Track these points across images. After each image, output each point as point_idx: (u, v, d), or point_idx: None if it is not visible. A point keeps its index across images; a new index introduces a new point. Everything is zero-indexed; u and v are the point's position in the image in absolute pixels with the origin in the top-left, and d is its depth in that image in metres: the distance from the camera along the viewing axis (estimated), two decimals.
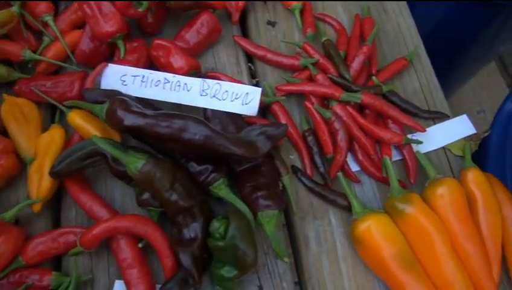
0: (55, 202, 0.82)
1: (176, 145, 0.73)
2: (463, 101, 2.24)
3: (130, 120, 0.72)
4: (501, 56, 2.32)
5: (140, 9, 0.82)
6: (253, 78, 0.95)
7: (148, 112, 0.73)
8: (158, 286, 0.74)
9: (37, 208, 0.77)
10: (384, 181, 0.84)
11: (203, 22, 0.92)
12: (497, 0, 1.19)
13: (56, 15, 0.92)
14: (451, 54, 1.52)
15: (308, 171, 0.84)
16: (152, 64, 0.89)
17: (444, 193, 0.77)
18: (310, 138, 0.85)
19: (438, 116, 0.91)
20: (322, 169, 0.83)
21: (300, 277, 0.80)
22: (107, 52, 0.89)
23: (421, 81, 0.95)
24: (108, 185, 0.83)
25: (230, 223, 0.69)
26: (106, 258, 0.77)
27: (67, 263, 0.77)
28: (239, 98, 0.80)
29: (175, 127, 0.71)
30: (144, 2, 0.83)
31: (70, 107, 0.81)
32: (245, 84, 0.89)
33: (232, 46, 0.97)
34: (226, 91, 0.80)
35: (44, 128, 0.84)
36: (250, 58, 0.97)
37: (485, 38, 1.38)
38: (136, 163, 0.69)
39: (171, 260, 0.72)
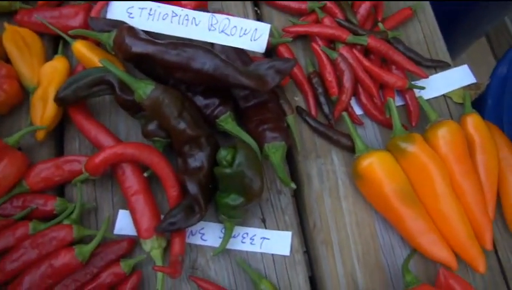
0: (59, 133, 0.81)
1: (185, 75, 0.73)
2: None
3: (138, 47, 0.71)
4: (488, 35, 2.36)
5: None
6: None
7: (158, 40, 0.73)
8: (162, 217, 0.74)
9: (40, 135, 0.76)
10: (386, 124, 0.86)
11: None
12: None
13: None
14: (443, 30, 1.55)
15: (313, 112, 0.85)
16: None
17: (444, 133, 0.79)
18: (315, 80, 0.86)
19: (440, 65, 0.92)
20: (326, 110, 0.84)
21: (302, 213, 0.82)
22: None
23: (424, 31, 0.96)
24: (113, 119, 0.82)
25: (237, 151, 0.69)
26: (110, 188, 0.77)
27: (71, 192, 0.77)
28: (248, 33, 0.80)
29: (185, 56, 0.71)
30: None
31: (75, 37, 0.79)
32: None
33: None
34: (235, 26, 0.80)
35: (48, 60, 0.82)
36: (256, 2, 0.97)
37: (474, 15, 1.40)
38: (145, 88, 0.69)
39: (177, 190, 0.73)
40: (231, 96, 0.79)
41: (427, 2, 0.99)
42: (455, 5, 1.33)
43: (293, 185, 0.73)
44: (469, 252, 0.74)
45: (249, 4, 0.94)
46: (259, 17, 0.95)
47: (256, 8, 0.96)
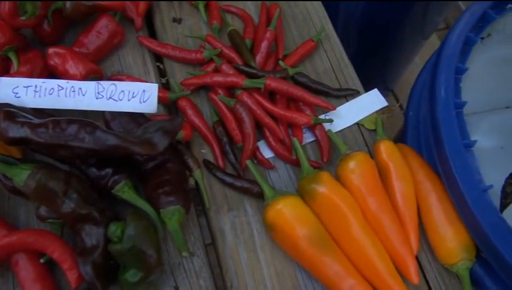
0: None
1: (67, 152, 0.70)
2: (411, 81, 2.27)
3: (14, 132, 0.69)
4: (448, 25, 2.36)
5: (23, 18, 0.80)
6: (163, 77, 0.93)
7: (35, 121, 0.70)
8: None
9: None
10: (299, 164, 0.82)
11: (102, 26, 0.89)
12: None
13: None
14: (388, 37, 1.53)
15: (220, 163, 0.82)
16: (52, 75, 0.86)
17: (354, 167, 0.76)
18: (219, 130, 0.83)
19: (349, 93, 0.90)
20: (233, 159, 0.82)
21: (221, 271, 0.77)
22: (4, 65, 0.86)
23: (331, 60, 0.95)
24: (12, 203, 0.79)
25: (127, 224, 0.66)
26: (11, 280, 0.73)
27: None
28: (136, 96, 0.78)
29: (64, 134, 0.68)
30: (29, 12, 0.80)
31: None
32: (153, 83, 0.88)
33: (139, 47, 0.94)
34: (122, 91, 0.78)
35: None
36: (159, 57, 0.96)
37: (416, 13, 1.39)
38: (21, 175, 0.66)
39: (76, 272, 0.69)
40: (127, 162, 0.76)
41: (332, 30, 0.98)
42: (395, 8, 1.33)
43: (185, 254, 0.69)
44: (392, 289, 0.70)
45: (149, 62, 0.93)
46: (163, 73, 0.94)
47: (158, 63, 0.94)
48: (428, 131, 0.79)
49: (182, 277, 0.74)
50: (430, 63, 0.97)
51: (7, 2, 0.79)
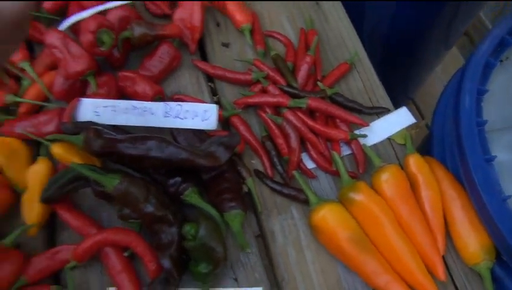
0: (50, 226, 0.92)
1: (147, 163, 0.83)
2: (432, 90, 2.37)
3: (103, 146, 0.82)
4: (467, 33, 2.42)
5: (103, 49, 0.94)
6: (214, 96, 1.06)
7: (119, 137, 0.84)
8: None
9: (32, 232, 0.87)
10: (337, 174, 0.94)
11: (164, 52, 1.03)
12: None
13: (32, 59, 1.03)
14: (412, 46, 1.62)
15: (269, 172, 0.94)
16: (122, 95, 1.00)
17: (387, 178, 0.88)
18: (267, 143, 0.96)
19: (380, 111, 1.01)
20: (280, 169, 0.94)
21: (272, 267, 0.90)
22: (82, 87, 1.00)
23: (364, 81, 1.06)
24: (97, 206, 0.92)
25: (199, 225, 0.79)
26: (99, 270, 0.87)
27: (65, 277, 0.87)
28: (198, 115, 0.91)
29: (142, 148, 0.82)
30: (106, 43, 0.94)
31: (53, 141, 0.91)
32: (206, 101, 1.01)
33: (193, 68, 1.08)
34: (187, 111, 0.91)
35: (33, 162, 0.94)
36: (210, 77, 1.09)
37: (442, 22, 1.48)
38: (111, 182, 0.79)
39: (154, 264, 0.82)
40: (193, 172, 0.89)
41: (364, 53, 1.09)
42: (421, 16, 1.41)
43: (248, 250, 0.82)
44: (422, 285, 0.81)
45: (203, 82, 1.06)
46: (214, 91, 1.07)
47: (210, 83, 1.07)
48: (453, 146, 0.89)
49: (240, 270, 0.87)
50: (453, 84, 1.07)
51: (88, 35, 0.93)
